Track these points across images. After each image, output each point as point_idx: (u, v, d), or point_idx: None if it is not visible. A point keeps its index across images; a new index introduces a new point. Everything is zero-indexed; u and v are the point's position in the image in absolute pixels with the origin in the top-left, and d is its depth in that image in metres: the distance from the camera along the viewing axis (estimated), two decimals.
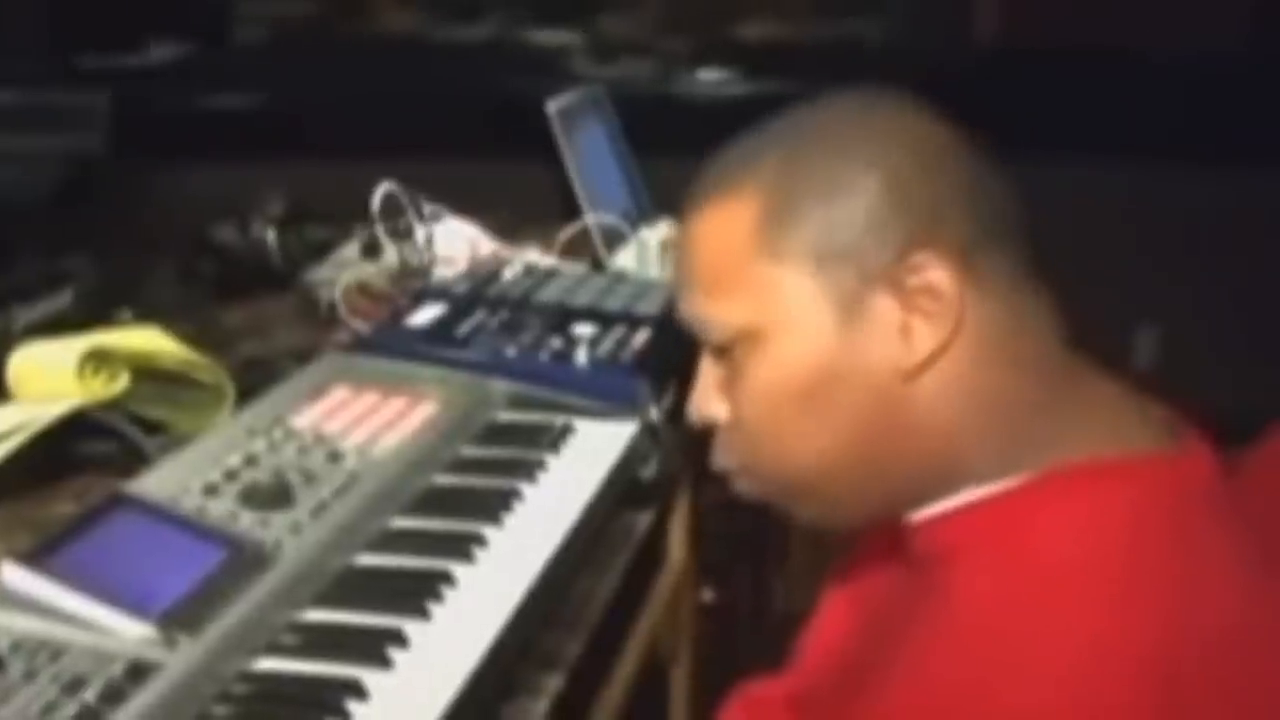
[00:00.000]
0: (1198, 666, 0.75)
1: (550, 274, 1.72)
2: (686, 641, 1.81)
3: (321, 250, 1.95)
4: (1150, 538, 0.80)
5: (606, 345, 1.46)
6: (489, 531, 1.13)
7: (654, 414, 1.37)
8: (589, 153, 2.04)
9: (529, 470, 1.25)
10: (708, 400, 0.92)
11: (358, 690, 0.89)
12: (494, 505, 1.17)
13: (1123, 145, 3.60)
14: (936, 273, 0.82)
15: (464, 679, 0.92)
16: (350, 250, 1.90)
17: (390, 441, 1.23)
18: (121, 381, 1.27)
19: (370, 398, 1.30)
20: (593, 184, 1.98)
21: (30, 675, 0.83)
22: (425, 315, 1.52)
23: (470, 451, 1.30)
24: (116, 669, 0.85)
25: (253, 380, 1.38)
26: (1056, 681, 0.75)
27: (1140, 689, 0.74)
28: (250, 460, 1.13)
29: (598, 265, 1.90)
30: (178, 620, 0.90)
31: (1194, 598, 0.77)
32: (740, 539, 2.28)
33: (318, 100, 3.94)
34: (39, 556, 0.93)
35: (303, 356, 1.52)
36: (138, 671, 0.85)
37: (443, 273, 1.79)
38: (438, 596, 1.02)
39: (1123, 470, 0.82)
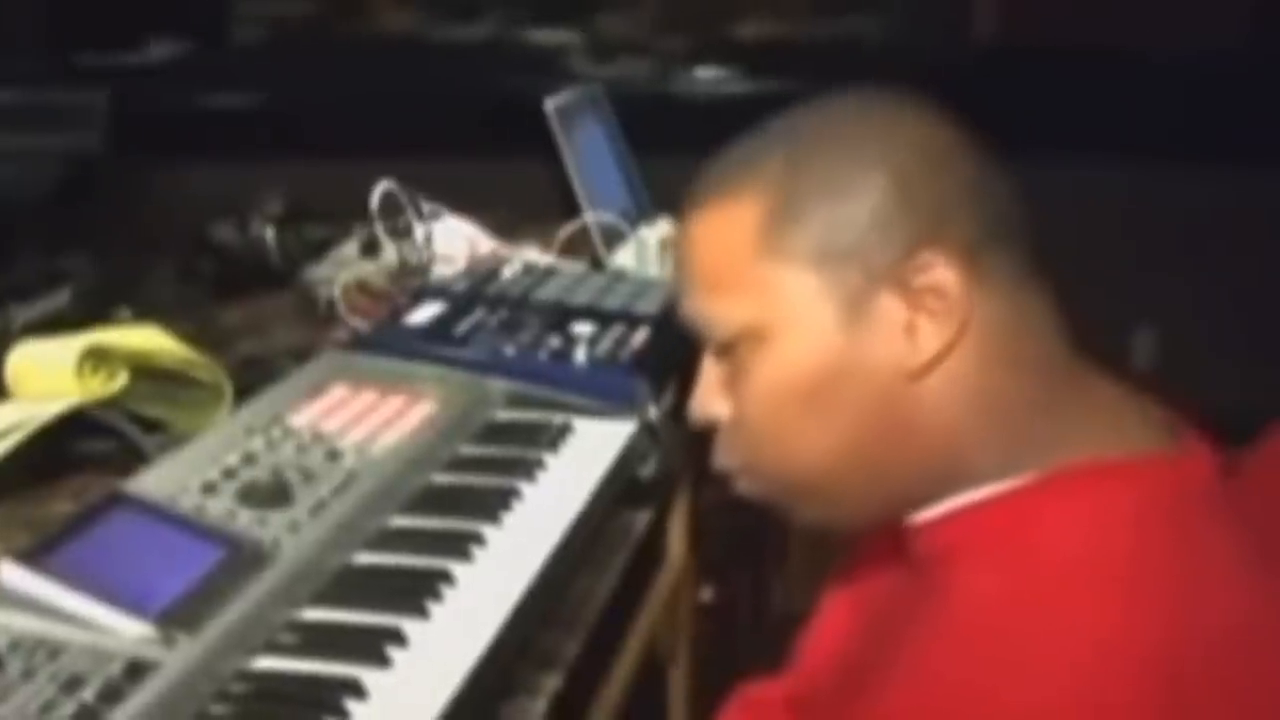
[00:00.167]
0: (1201, 666, 0.75)
1: (549, 273, 1.71)
2: (685, 641, 1.81)
3: (320, 249, 1.95)
4: (1153, 538, 0.79)
5: (605, 344, 1.46)
6: (488, 530, 1.13)
7: (653, 413, 1.37)
8: (588, 151, 2.04)
9: (528, 469, 1.25)
10: (710, 400, 0.92)
11: (356, 689, 0.89)
12: (493, 504, 1.17)
13: (1122, 145, 3.60)
14: (942, 272, 0.82)
15: (463, 678, 0.92)
16: (349, 249, 1.90)
17: (389, 440, 1.23)
18: (120, 380, 1.27)
19: (369, 396, 1.30)
20: (591, 183, 1.98)
21: (29, 674, 0.83)
22: (424, 314, 1.52)
23: (469, 450, 1.30)
24: (115, 668, 0.85)
25: (251, 379, 1.38)
26: (1059, 681, 0.75)
27: (1143, 689, 0.73)
28: (249, 459, 1.13)
29: (596, 264, 1.90)
30: (176, 619, 0.90)
31: (1197, 598, 0.77)
32: (740, 538, 2.28)
33: (317, 99, 3.94)
34: (37, 555, 0.93)
35: (301, 355, 1.52)
36: (136, 670, 0.85)
37: (441, 271, 1.79)
38: (436, 595, 1.02)
39: (1125, 471, 0.82)
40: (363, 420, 1.25)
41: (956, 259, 0.82)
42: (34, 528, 1.10)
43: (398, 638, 0.95)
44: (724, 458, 0.92)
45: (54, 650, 0.85)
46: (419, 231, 1.84)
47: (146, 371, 1.30)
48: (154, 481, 1.07)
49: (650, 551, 1.57)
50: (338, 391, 1.30)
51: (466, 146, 3.48)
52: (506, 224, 2.02)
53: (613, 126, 2.24)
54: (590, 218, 1.94)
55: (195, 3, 4.24)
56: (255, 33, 4.24)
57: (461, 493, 1.21)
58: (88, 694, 0.82)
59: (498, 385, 1.39)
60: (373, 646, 0.94)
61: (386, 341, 1.45)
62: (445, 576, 1.05)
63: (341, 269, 1.81)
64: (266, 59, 4.17)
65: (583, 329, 1.48)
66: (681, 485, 1.67)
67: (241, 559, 0.99)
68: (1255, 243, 3.54)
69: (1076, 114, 3.67)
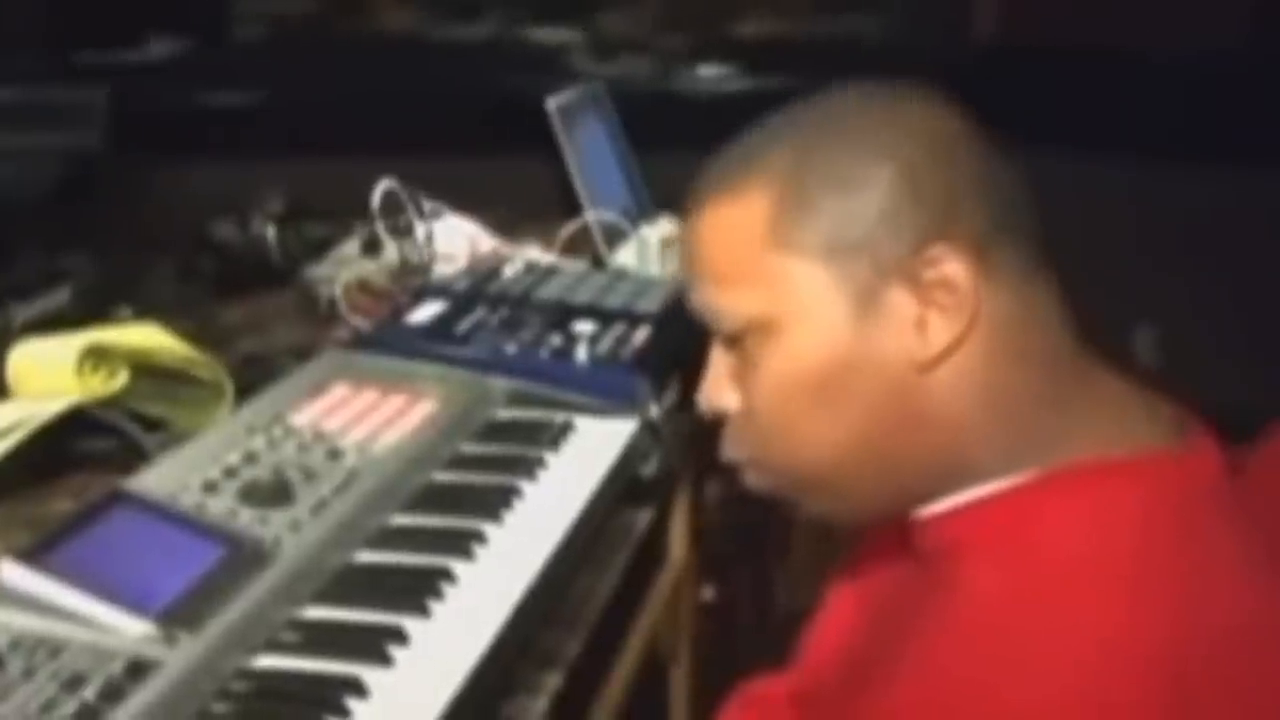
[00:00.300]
0: (1205, 664, 0.74)
1: (550, 271, 1.71)
2: (686, 640, 1.81)
3: (321, 247, 1.94)
4: (1158, 535, 0.79)
5: (606, 343, 1.46)
6: (489, 529, 1.13)
7: (654, 411, 1.37)
8: (589, 150, 2.04)
9: (529, 468, 1.25)
10: (719, 390, 0.92)
11: (357, 688, 0.89)
12: (494, 503, 1.17)
13: (1122, 144, 3.59)
14: (952, 265, 0.82)
15: (464, 677, 0.92)
16: (350, 247, 1.90)
17: (390, 439, 1.23)
18: (120, 378, 1.27)
19: (370, 395, 1.30)
20: (593, 181, 1.98)
21: (29, 673, 0.83)
22: (425, 312, 1.52)
23: (470, 449, 1.30)
24: (116, 666, 0.85)
25: (252, 377, 1.38)
26: (1063, 679, 0.74)
27: (1148, 686, 0.73)
28: (250, 457, 1.13)
29: (598, 262, 1.90)
30: (177, 618, 0.90)
31: (1202, 595, 0.77)
32: (741, 537, 2.28)
33: (318, 97, 3.94)
34: (38, 554, 0.93)
35: (302, 354, 1.52)
36: (137, 669, 0.85)
37: (443, 270, 1.79)
38: (438, 594, 1.02)
39: (1130, 468, 0.82)
40: (364, 419, 1.25)
41: (966, 252, 0.82)
42: (34, 526, 1.10)
43: (399, 636, 0.95)
44: (732, 449, 0.92)
45: (55, 649, 0.85)
46: (420, 230, 1.84)
47: (147, 370, 1.30)
48: (155, 480, 1.07)
49: (651, 550, 1.57)
50: (339, 390, 1.30)
51: (468, 145, 3.47)
52: (508, 223, 2.02)
53: (614, 125, 2.23)
54: (591, 216, 1.93)
55: (195, 1, 4.23)
56: (256, 31, 4.24)
57: (463, 491, 1.21)
58: (89, 693, 0.82)
59: (499, 384, 1.39)
60: (374, 645, 0.94)
61: (388, 340, 1.45)
62: (447, 575, 1.04)
63: (342, 268, 1.81)
64: (267, 57, 4.16)
65: (584, 328, 1.48)
66: (683, 484, 1.67)
67: (243, 557, 0.99)
68: (1256, 242, 3.54)
69: (1076, 113, 3.66)
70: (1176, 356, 3.66)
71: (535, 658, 1.06)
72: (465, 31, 4.11)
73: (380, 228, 1.83)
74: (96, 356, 1.26)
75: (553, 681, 1.04)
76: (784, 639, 1.09)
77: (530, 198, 2.07)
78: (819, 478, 0.88)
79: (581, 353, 1.42)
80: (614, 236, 1.96)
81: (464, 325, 1.48)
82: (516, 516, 1.17)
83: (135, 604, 0.89)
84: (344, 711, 0.87)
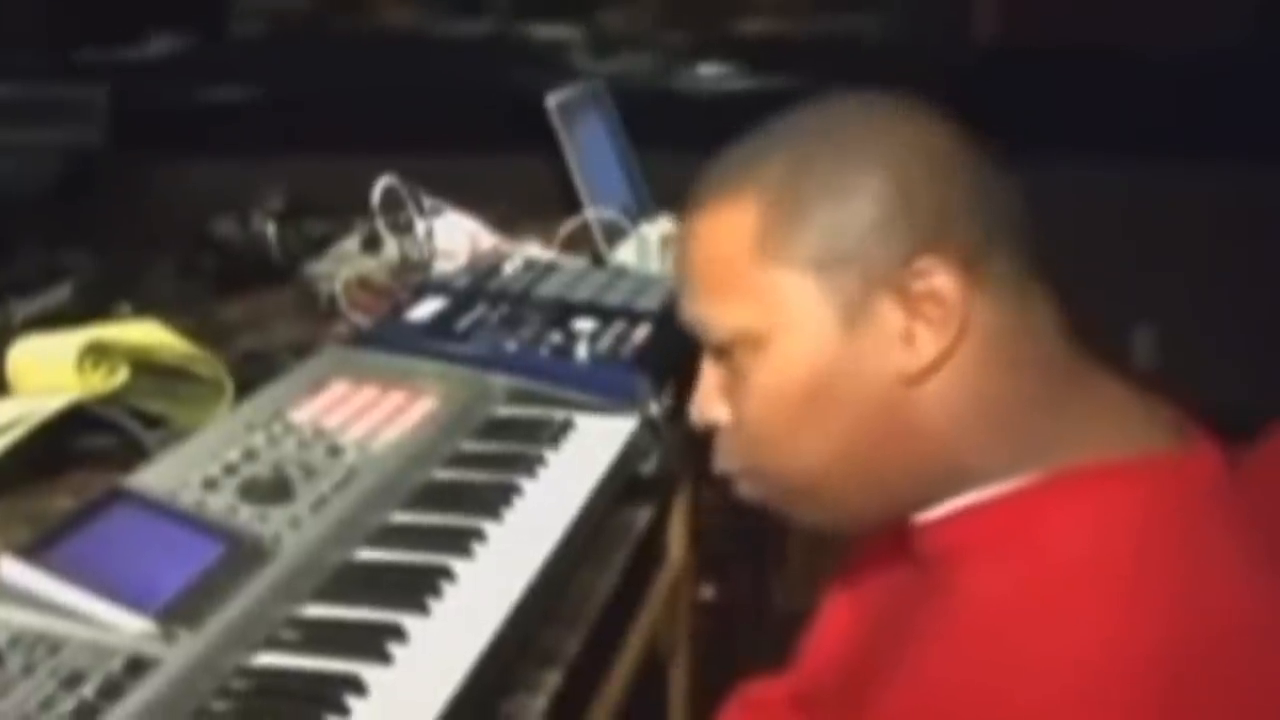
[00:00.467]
0: (1204, 665, 0.75)
1: (550, 269, 1.71)
2: (685, 638, 1.81)
3: (321, 244, 1.94)
4: (1157, 538, 0.79)
5: (606, 340, 1.46)
6: (488, 527, 1.13)
7: (654, 409, 1.37)
8: (589, 147, 2.04)
9: (529, 465, 1.25)
10: (709, 403, 0.92)
11: (357, 686, 0.89)
12: (493, 500, 1.17)
13: (1122, 144, 3.59)
14: (941, 279, 0.82)
15: (463, 675, 0.92)
16: (350, 244, 1.90)
17: (390, 436, 1.23)
18: (120, 375, 1.27)
19: (370, 392, 1.30)
20: (593, 178, 1.98)
21: (29, 670, 0.83)
22: (425, 309, 1.52)
23: (470, 446, 1.30)
24: (115, 664, 0.85)
25: (252, 374, 1.38)
26: (1063, 681, 0.74)
27: (1147, 688, 0.73)
28: (249, 454, 1.13)
29: (598, 260, 1.90)
30: (177, 615, 0.90)
31: (1201, 597, 0.77)
32: (740, 536, 2.28)
33: (318, 94, 3.94)
34: (37, 551, 0.93)
35: (302, 351, 1.52)
36: (136, 666, 0.85)
37: (443, 267, 1.79)
38: (437, 592, 1.02)
39: (1129, 471, 0.82)
40: (364, 416, 1.25)
41: (956, 265, 0.82)
42: (34, 523, 1.10)
43: (398, 634, 0.95)
44: (724, 461, 0.92)
45: (54, 646, 0.85)
46: (420, 227, 1.84)
47: (147, 367, 1.30)
48: (154, 477, 1.07)
49: (651, 549, 1.56)
50: (339, 387, 1.30)
51: (468, 142, 3.47)
52: (508, 220, 2.02)
53: (614, 122, 2.23)
54: (591, 214, 1.93)
55: None
56: (256, 27, 4.24)
57: (462, 489, 1.21)
58: (88, 690, 0.82)
59: (499, 381, 1.39)
60: (373, 643, 0.94)
61: (387, 337, 1.45)
62: (446, 573, 1.04)
63: (342, 264, 1.81)
64: (267, 54, 4.16)
65: (584, 325, 1.48)
66: (682, 482, 1.66)
67: (242, 555, 0.99)
68: (1256, 241, 3.54)
69: (1077, 113, 3.66)
70: (1176, 357, 3.66)
71: (534, 656, 1.06)
72: (466, 28, 4.11)
73: (380, 224, 1.83)
74: (96, 353, 1.26)
75: (552, 679, 1.04)
76: (783, 638, 1.09)
77: (530, 195, 2.07)
78: (810, 488, 0.88)
79: (581, 350, 1.42)
80: (614, 234, 1.96)
81: (464, 322, 1.48)
82: (516, 514, 1.17)
83: (135, 601, 0.89)
84: (343, 709, 0.87)
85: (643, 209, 2.13)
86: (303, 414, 1.23)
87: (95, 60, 3.96)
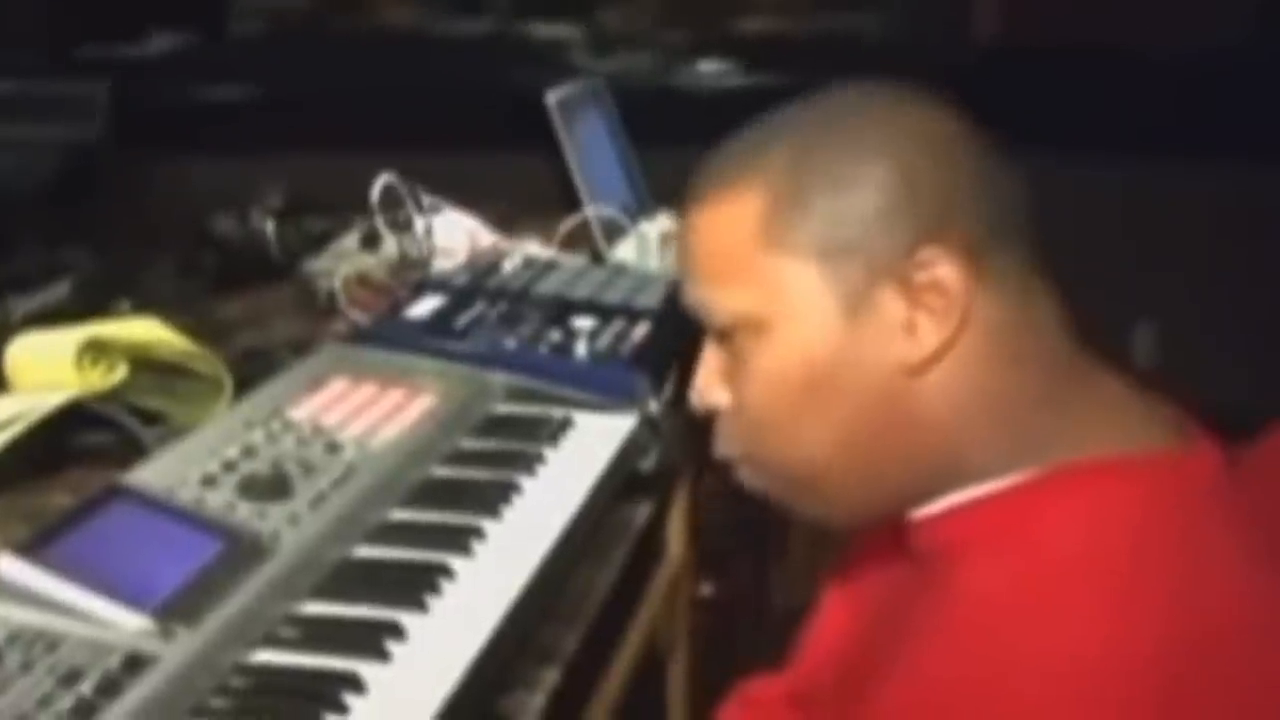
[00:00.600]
0: (1203, 664, 0.74)
1: (550, 266, 1.71)
2: (685, 635, 1.81)
3: (320, 242, 1.94)
4: (1155, 536, 0.79)
5: (606, 338, 1.46)
6: (487, 524, 1.13)
7: (653, 407, 1.37)
8: (589, 145, 2.04)
9: (528, 463, 1.25)
10: (710, 387, 0.91)
11: (355, 683, 0.89)
12: (492, 498, 1.17)
13: (1122, 143, 3.59)
14: (944, 269, 0.81)
15: (462, 672, 0.92)
16: (349, 241, 1.90)
17: (389, 433, 1.23)
18: (119, 372, 1.27)
19: (369, 389, 1.30)
20: (592, 176, 1.98)
21: (27, 667, 0.83)
22: (424, 307, 1.52)
23: (469, 444, 1.30)
24: (113, 661, 0.85)
25: (251, 371, 1.38)
26: (1059, 677, 0.74)
27: (1144, 685, 0.73)
28: (248, 451, 1.13)
29: (597, 258, 1.90)
30: (175, 612, 0.90)
31: (1200, 596, 0.77)
32: (740, 532, 2.28)
33: (317, 92, 3.94)
34: (35, 548, 0.92)
35: (301, 348, 1.52)
36: (134, 663, 0.85)
37: (442, 264, 1.79)
38: (436, 589, 1.02)
39: (1127, 468, 0.82)
40: (363, 413, 1.25)
41: (959, 255, 0.82)
42: (33, 520, 1.10)
43: (397, 632, 0.95)
44: (724, 446, 0.92)
45: (52, 643, 0.85)
46: (419, 225, 1.84)
47: (146, 364, 1.30)
48: (153, 474, 1.06)
49: (650, 546, 1.56)
50: (337, 384, 1.30)
51: (467, 140, 3.47)
52: (507, 217, 2.02)
53: (614, 120, 2.23)
54: (591, 211, 1.93)
55: None
56: (255, 25, 4.24)
57: (461, 486, 1.21)
58: (86, 687, 0.82)
59: (498, 379, 1.39)
60: (372, 640, 0.94)
61: (386, 334, 1.45)
62: (445, 570, 1.04)
63: (342, 262, 1.81)
64: (267, 51, 4.16)
65: (583, 323, 1.48)
66: (681, 480, 1.66)
67: (241, 552, 0.99)
68: (1256, 241, 3.53)
69: (1077, 111, 3.66)
70: (1176, 355, 3.66)
71: (533, 653, 1.06)
72: (465, 26, 4.11)
73: (379, 222, 1.83)
74: (95, 350, 1.26)
75: (551, 677, 1.04)
76: (782, 635, 1.09)
77: (530, 193, 2.07)
78: (809, 478, 0.88)
79: (580, 348, 1.42)
80: (613, 232, 1.96)
81: (463, 320, 1.48)
82: (515, 512, 1.17)
83: (133, 598, 0.89)
84: (342, 707, 0.87)
85: (642, 207, 2.13)
86: (302, 411, 1.23)
87: (95, 58, 3.96)
